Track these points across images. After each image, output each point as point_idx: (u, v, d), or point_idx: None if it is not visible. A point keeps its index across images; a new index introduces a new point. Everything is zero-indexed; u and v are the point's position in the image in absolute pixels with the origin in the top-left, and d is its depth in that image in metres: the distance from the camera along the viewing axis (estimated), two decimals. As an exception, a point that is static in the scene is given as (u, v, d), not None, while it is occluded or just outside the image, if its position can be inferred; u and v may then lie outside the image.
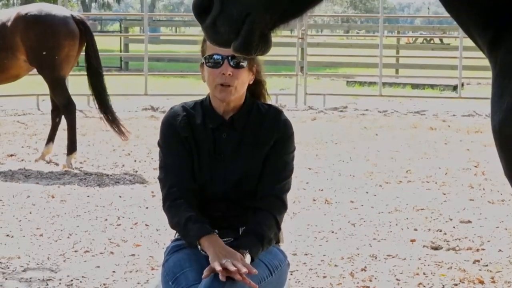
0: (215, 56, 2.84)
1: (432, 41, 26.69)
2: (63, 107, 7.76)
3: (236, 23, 1.96)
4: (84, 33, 7.77)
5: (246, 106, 2.95)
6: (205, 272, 2.62)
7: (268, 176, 2.90)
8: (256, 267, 2.77)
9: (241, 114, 2.93)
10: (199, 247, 2.76)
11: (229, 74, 2.82)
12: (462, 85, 14.06)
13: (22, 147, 8.71)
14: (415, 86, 15.75)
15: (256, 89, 3.03)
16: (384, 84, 14.15)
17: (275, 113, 2.97)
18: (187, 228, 2.81)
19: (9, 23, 7.55)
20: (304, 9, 2.04)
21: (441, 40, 26.07)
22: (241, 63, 2.84)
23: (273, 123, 2.93)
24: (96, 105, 7.81)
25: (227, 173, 2.88)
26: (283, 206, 2.93)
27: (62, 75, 7.75)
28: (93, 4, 50.46)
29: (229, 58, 2.83)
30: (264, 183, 2.89)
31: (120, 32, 22.87)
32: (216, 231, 2.86)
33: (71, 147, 7.71)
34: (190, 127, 2.92)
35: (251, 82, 2.95)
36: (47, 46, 7.56)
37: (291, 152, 2.97)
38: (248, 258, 2.72)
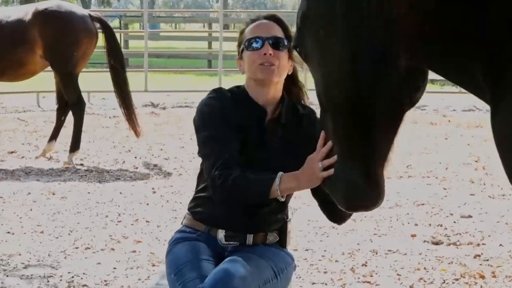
0: (256, 39, 2.84)
1: (432, 36, 26.62)
2: (73, 104, 7.79)
3: None
4: (103, 30, 7.91)
5: (287, 100, 2.91)
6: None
7: None
8: (262, 269, 2.76)
9: (285, 108, 2.89)
10: (277, 188, 2.68)
11: (270, 54, 2.81)
12: (463, 80, 14.03)
13: (23, 144, 8.71)
14: (415, 81, 15.72)
15: (294, 88, 3.00)
16: (384, 79, 14.11)
17: (311, 113, 2.95)
18: (253, 181, 2.71)
19: (26, 18, 7.60)
20: None
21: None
22: (281, 44, 2.84)
23: (311, 123, 2.89)
24: (118, 101, 7.83)
25: (263, 163, 2.79)
26: None
27: (76, 72, 7.84)
28: (93, 1, 50.38)
29: (269, 39, 2.84)
30: None
31: (120, 28, 22.84)
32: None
33: (75, 145, 7.72)
34: (236, 107, 2.87)
35: (289, 73, 2.92)
36: (66, 42, 7.65)
37: None
38: None
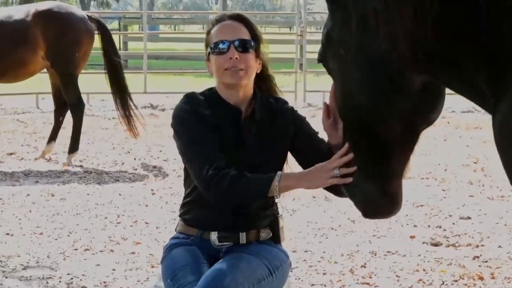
0: (221, 43, 2.80)
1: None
2: (72, 105, 7.81)
3: None
4: (101, 31, 7.97)
5: (259, 97, 2.90)
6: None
7: (319, 144, 2.86)
8: (256, 267, 2.76)
9: (258, 105, 2.87)
10: (276, 185, 2.65)
11: (236, 58, 2.77)
12: (462, 81, 14.03)
13: (22, 145, 8.71)
14: (414, 82, 15.71)
15: (265, 84, 2.99)
16: (383, 80, 14.09)
17: (284, 105, 2.95)
18: (252, 180, 2.69)
19: (28, 18, 7.63)
20: None
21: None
22: (247, 46, 2.81)
23: (285, 116, 2.91)
24: (116, 102, 7.82)
25: (242, 162, 2.77)
26: None
27: (76, 73, 7.90)
28: (92, 2, 50.35)
29: (235, 42, 2.79)
30: (321, 145, 2.84)
31: (119, 30, 22.86)
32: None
33: (74, 146, 7.73)
34: (210, 109, 2.85)
35: (258, 71, 2.90)
36: (67, 42, 7.70)
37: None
38: None
